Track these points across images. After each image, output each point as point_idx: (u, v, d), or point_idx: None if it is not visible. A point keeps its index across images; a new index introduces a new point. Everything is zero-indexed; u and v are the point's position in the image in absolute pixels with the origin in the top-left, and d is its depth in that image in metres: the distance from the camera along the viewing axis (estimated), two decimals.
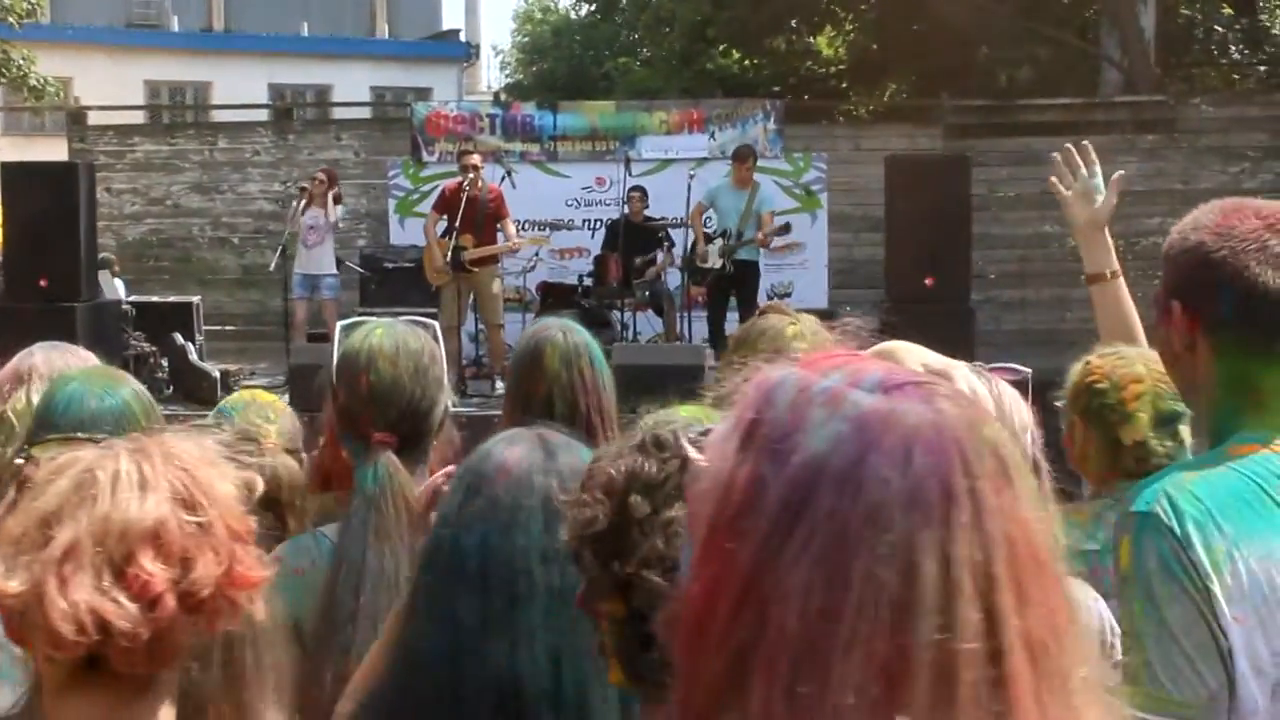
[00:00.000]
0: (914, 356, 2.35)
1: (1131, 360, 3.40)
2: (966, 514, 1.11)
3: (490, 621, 2.07)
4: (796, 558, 1.10)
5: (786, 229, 14.63)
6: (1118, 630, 2.76)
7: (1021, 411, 2.46)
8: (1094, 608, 2.78)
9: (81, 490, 1.56)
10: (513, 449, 2.20)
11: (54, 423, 2.85)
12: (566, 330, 3.38)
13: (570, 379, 3.27)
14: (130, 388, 2.97)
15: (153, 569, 1.52)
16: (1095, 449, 3.40)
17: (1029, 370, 2.76)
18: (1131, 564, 2.22)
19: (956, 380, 2.27)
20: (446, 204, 13.49)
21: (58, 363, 3.39)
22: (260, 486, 1.72)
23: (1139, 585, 2.21)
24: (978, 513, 1.11)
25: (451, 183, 13.91)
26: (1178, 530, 2.16)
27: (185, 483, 1.60)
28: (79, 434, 2.66)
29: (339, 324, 3.20)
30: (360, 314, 3.71)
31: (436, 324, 3.27)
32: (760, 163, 15.97)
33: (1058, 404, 3.48)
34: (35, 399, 3.13)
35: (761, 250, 14.71)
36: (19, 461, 1.62)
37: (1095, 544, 3.13)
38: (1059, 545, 1.19)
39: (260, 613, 1.66)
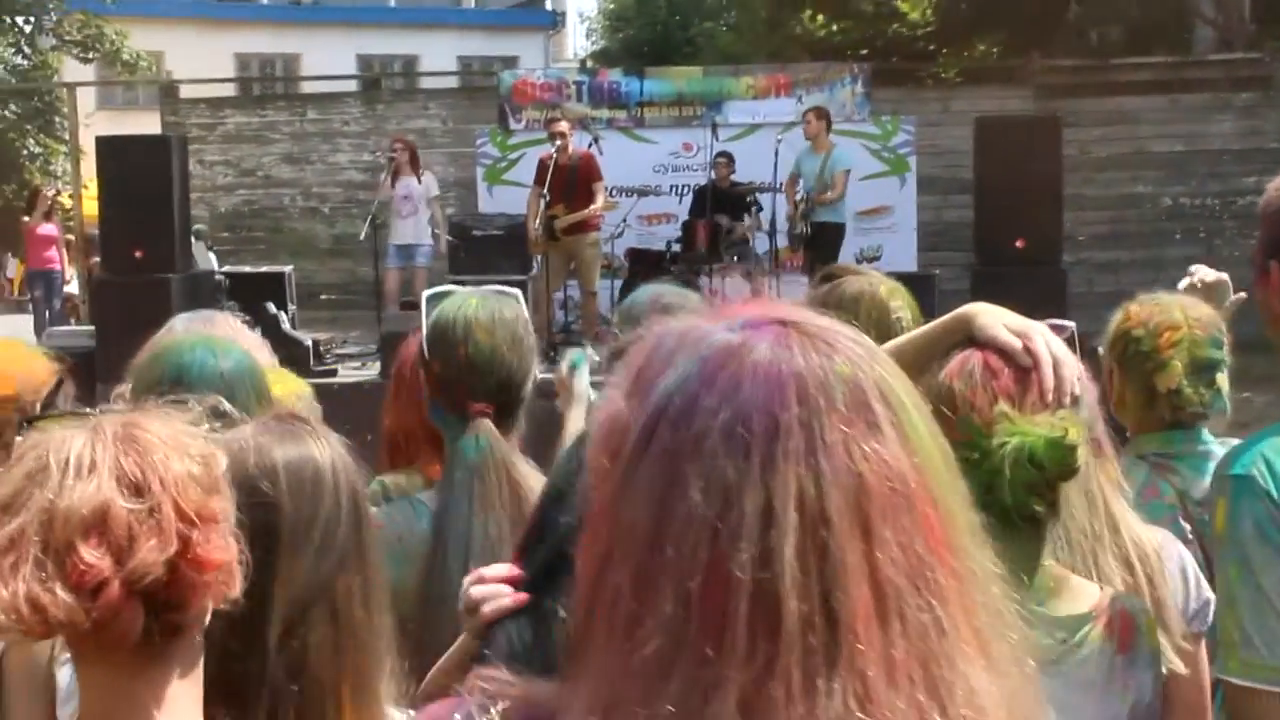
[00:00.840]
0: (996, 318, 2.34)
1: (1169, 308, 3.38)
2: (798, 447, 1.09)
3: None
4: (633, 493, 1.10)
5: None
6: (1207, 594, 2.75)
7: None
8: (1174, 551, 2.76)
9: (32, 477, 1.57)
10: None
11: (156, 369, 2.84)
12: (684, 294, 3.43)
13: None
14: (245, 357, 2.95)
15: (91, 557, 1.51)
16: (1131, 396, 3.40)
17: (1073, 324, 2.75)
18: (1227, 527, 2.21)
19: (1035, 342, 2.27)
20: (541, 174, 13.55)
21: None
22: (224, 463, 1.69)
23: (1234, 549, 2.19)
24: (812, 446, 1.09)
25: (544, 152, 13.97)
26: (1275, 494, 2.14)
27: (135, 465, 1.58)
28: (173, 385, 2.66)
29: (424, 294, 3.21)
30: (450, 282, 3.70)
31: (519, 291, 3.29)
32: (848, 126, 15.95)
33: (1099, 350, 3.47)
34: None
35: (847, 212, 14.73)
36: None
37: None
38: (953, 491, 1.15)
39: (235, 593, 1.65)
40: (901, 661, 1.08)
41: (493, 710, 1.21)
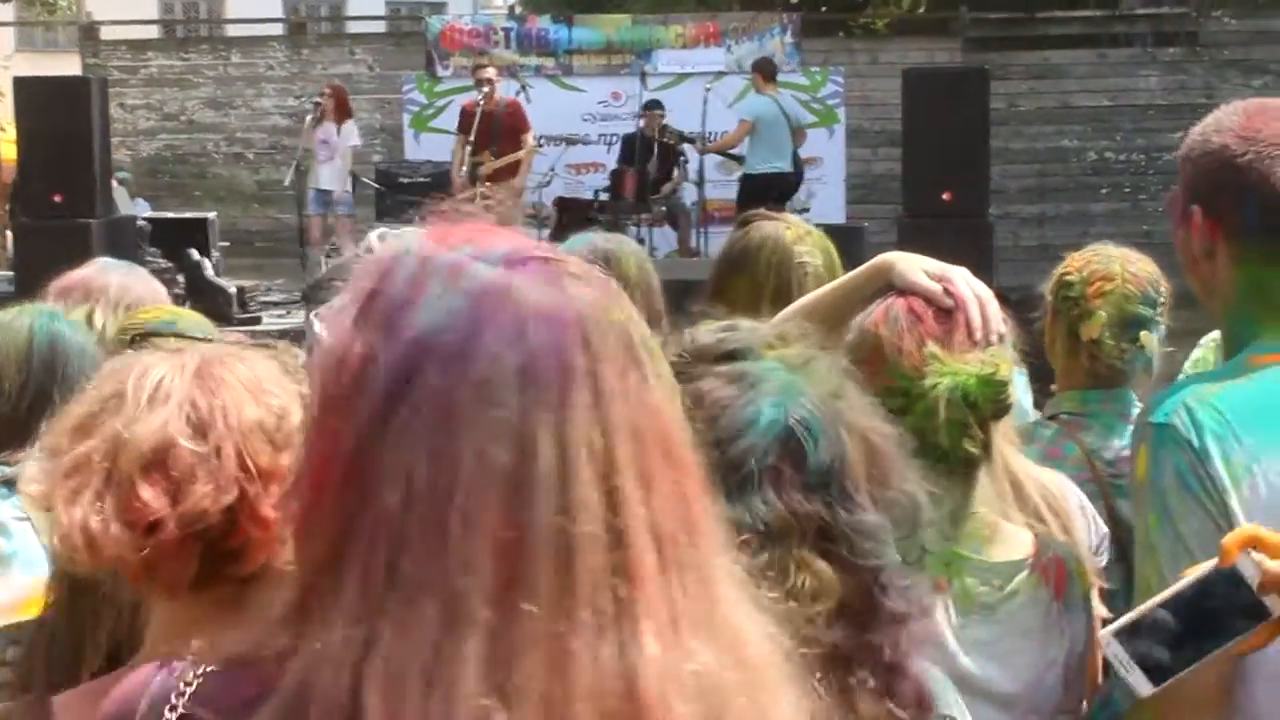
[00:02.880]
0: (914, 264, 2.34)
1: (1109, 259, 3.40)
2: (586, 395, 1.08)
3: None
4: (399, 435, 1.06)
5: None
6: (1104, 529, 2.78)
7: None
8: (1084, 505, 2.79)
9: (107, 401, 1.53)
10: None
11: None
12: (621, 241, 3.54)
13: (648, 283, 3.30)
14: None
15: (148, 495, 1.49)
16: (1059, 343, 3.42)
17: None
18: (1148, 475, 2.20)
19: (957, 283, 2.27)
20: (466, 122, 13.41)
21: (135, 291, 3.35)
22: (297, 417, 1.60)
23: (1154, 497, 2.19)
24: (598, 395, 1.08)
25: (468, 100, 13.85)
26: (1196, 443, 2.13)
27: (206, 405, 1.54)
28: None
29: (372, 235, 3.15)
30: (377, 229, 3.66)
31: None
32: (778, 76, 15.90)
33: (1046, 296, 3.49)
34: (99, 322, 3.10)
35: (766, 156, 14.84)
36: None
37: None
38: (690, 437, 1.16)
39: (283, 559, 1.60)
40: (684, 608, 1.09)
41: (192, 674, 1.15)
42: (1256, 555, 1.81)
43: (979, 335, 2.23)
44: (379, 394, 1.07)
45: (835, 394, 1.71)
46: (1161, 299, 3.37)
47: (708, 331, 1.83)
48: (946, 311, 2.26)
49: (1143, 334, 3.32)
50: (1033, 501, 2.53)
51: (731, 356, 1.75)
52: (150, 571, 1.52)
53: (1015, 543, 2.30)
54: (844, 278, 2.55)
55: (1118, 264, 3.37)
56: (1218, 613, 1.84)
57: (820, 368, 1.74)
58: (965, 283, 2.29)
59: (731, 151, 14.95)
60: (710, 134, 15.07)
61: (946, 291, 2.27)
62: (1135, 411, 3.24)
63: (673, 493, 1.10)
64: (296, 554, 1.13)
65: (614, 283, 1.16)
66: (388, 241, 1.17)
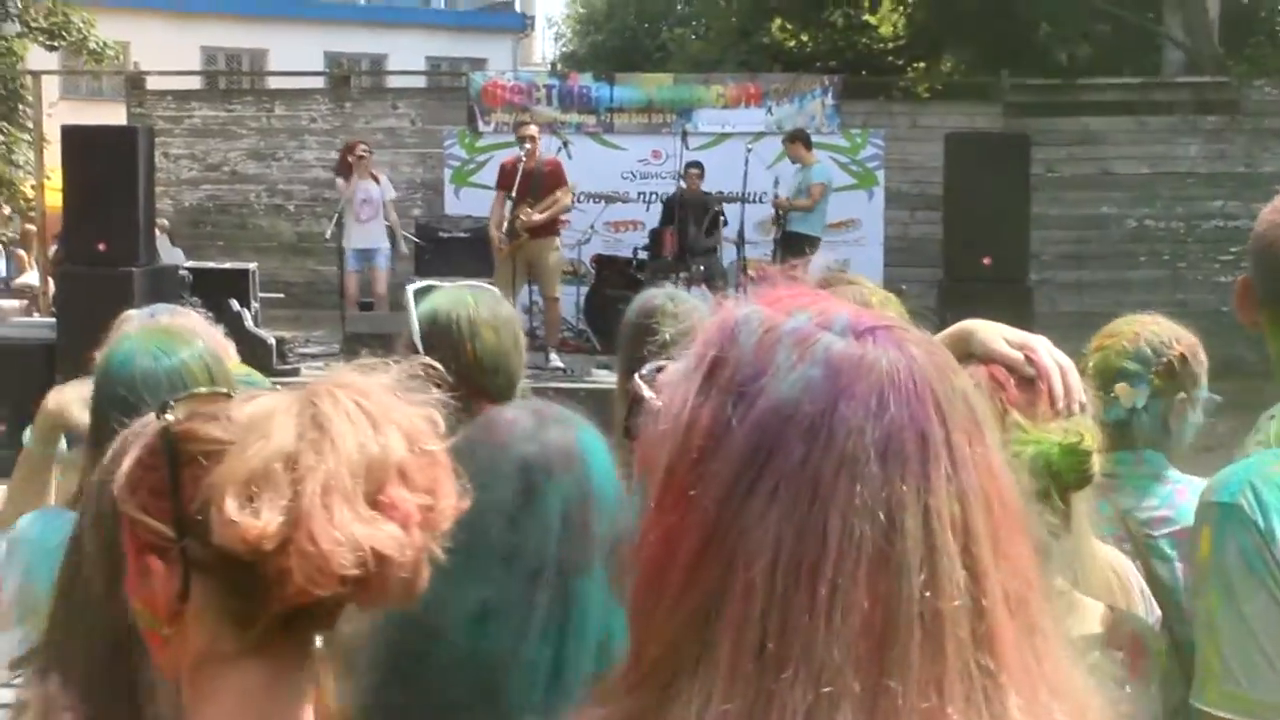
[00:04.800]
0: (995, 332, 2.34)
1: (1131, 321, 3.40)
2: (944, 465, 1.07)
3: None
4: (765, 508, 1.05)
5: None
6: (1158, 610, 2.75)
7: None
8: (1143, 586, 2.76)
9: (319, 427, 1.47)
10: (504, 414, 2.17)
11: (107, 383, 2.82)
12: (672, 296, 3.39)
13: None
14: (192, 349, 2.86)
15: (403, 497, 1.46)
16: None
17: None
18: (1211, 555, 2.18)
19: (1039, 352, 2.27)
20: (506, 178, 13.46)
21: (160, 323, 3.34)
22: (441, 422, 1.59)
23: (1218, 577, 2.17)
24: (954, 464, 1.08)
25: (508, 157, 13.90)
26: (1262, 524, 2.12)
27: (410, 416, 1.52)
28: (128, 395, 2.62)
29: (410, 288, 3.16)
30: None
31: (496, 289, 3.26)
32: (816, 139, 15.98)
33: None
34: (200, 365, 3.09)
35: (814, 222, 14.89)
36: (156, 418, 1.53)
37: None
38: (1025, 497, 1.16)
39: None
40: (1039, 674, 1.09)
41: None
42: None
43: (1061, 405, 2.22)
44: (737, 463, 1.07)
45: None
46: (1162, 359, 3.33)
47: None
48: (1028, 380, 2.26)
49: (1118, 386, 3.30)
50: (1103, 576, 2.52)
51: None
52: (411, 578, 1.48)
53: (1090, 616, 2.28)
54: None
55: (1134, 326, 3.38)
56: None
57: None
58: (1047, 352, 2.29)
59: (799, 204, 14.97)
60: (750, 194, 15.10)
61: (1028, 360, 2.27)
62: (1169, 473, 3.24)
63: (1018, 555, 1.10)
64: (636, 621, 1.13)
65: (948, 351, 1.16)
66: (725, 306, 1.16)
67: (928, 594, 1.04)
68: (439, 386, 1.60)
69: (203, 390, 1.69)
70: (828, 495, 1.05)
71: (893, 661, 1.03)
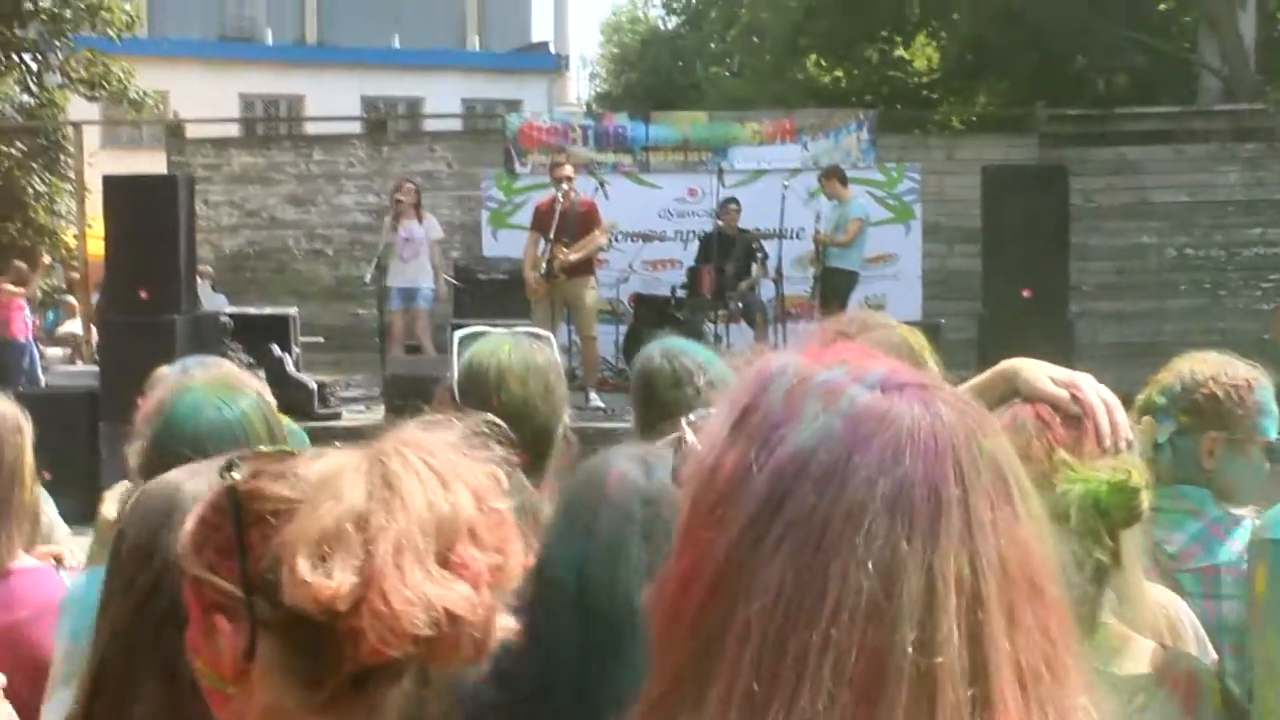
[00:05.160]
0: (1039, 371, 2.33)
1: (1193, 358, 3.36)
2: (956, 526, 1.06)
3: (589, 649, 1.98)
4: (771, 553, 1.06)
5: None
6: (1213, 652, 2.71)
7: None
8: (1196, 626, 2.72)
9: (389, 486, 1.47)
10: (614, 468, 2.11)
11: (169, 437, 2.82)
12: (669, 355, 3.25)
13: (683, 399, 3.17)
14: (250, 399, 2.83)
15: (473, 555, 1.46)
16: None
17: None
18: (1268, 592, 2.16)
19: (1084, 390, 2.25)
20: (541, 220, 13.49)
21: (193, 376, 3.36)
22: (505, 480, 1.59)
23: (1275, 614, 2.15)
24: (968, 526, 1.07)
25: (544, 198, 13.93)
26: None
27: (476, 474, 1.52)
28: (189, 449, 2.62)
29: (456, 335, 3.17)
30: (453, 326, 3.66)
31: (551, 336, 3.25)
32: (853, 173, 15.98)
33: None
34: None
35: (853, 258, 14.91)
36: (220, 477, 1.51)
37: None
38: (1060, 571, 1.14)
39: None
40: None
41: None
42: None
43: (1108, 442, 2.21)
44: (753, 507, 1.08)
45: None
46: (1191, 396, 3.29)
47: None
48: (1074, 419, 2.25)
49: (1144, 420, 3.28)
50: (1153, 615, 2.49)
51: None
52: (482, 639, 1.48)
53: (1143, 656, 2.26)
54: (967, 385, 2.54)
55: (1187, 362, 3.35)
56: None
57: None
58: (1092, 390, 2.29)
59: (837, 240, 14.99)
60: (787, 230, 15.11)
61: (1074, 398, 2.26)
62: (1209, 510, 3.20)
63: (1037, 628, 1.08)
64: (654, 653, 1.14)
65: (980, 405, 1.15)
66: (765, 355, 1.17)
67: (919, 650, 1.03)
68: (501, 444, 1.60)
69: (265, 449, 1.68)
70: (833, 543, 1.05)
71: (879, 716, 1.03)
